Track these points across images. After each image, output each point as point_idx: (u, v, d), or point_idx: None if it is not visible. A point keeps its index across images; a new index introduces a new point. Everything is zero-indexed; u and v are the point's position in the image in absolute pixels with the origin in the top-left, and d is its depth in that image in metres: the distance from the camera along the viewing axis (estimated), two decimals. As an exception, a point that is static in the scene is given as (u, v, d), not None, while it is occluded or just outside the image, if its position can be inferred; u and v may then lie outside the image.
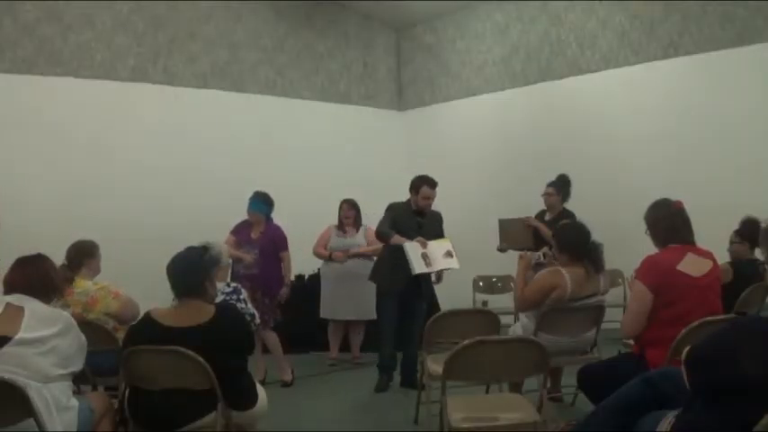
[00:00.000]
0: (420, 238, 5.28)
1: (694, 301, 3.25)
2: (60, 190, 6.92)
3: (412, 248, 5.23)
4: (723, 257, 4.51)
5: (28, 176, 6.76)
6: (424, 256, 5.25)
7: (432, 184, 5.46)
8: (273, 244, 5.75)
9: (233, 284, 4.32)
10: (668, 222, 3.46)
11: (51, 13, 7.20)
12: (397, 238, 5.29)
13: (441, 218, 5.65)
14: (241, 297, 4.21)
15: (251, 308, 4.29)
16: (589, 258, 4.05)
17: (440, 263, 5.31)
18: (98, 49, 7.48)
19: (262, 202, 5.76)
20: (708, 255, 3.46)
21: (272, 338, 5.71)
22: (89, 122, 7.20)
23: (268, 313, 5.61)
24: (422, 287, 5.43)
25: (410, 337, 5.36)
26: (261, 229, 5.77)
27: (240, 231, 5.80)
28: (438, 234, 5.47)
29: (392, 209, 5.52)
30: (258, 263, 5.63)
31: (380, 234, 5.45)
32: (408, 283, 5.28)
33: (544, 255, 4.22)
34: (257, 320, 4.30)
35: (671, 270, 3.30)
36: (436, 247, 5.32)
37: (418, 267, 5.19)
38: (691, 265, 3.33)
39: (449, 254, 5.34)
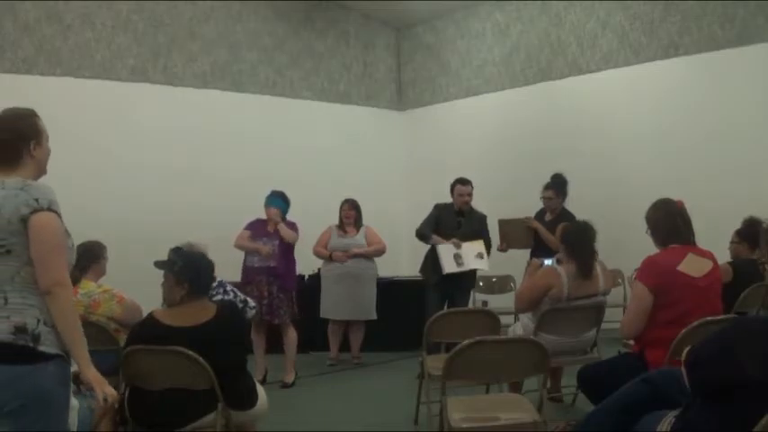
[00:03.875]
0: (455, 240, 5.92)
1: (694, 301, 3.25)
2: (59, 190, 6.86)
3: (444, 250, 5.91)
4: (723, 257, 4.50)
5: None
6: (457, 257, 5.89)
7: (463, 181, 6.08)
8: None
9: (217, 279, 4.31)
10: (669, 222, 3.46)
11: (51, 13, 7.21)
12: (434, 239, 5.98)
13: (483, 219, 6.17)
14: (228, 289, 4.19)
15: (241, 294, 4.28)
16: (580, 259, 4.03)
17: (471, 263, 5.94)
18: (98, 49, 7.48)
19: (280, 199, 5.77)
20: (708, 255, 3.46)
21: (292, 336, 5.72)
22: (89, 122, 7.20)
23: (284, 308, 5.62)
24: (462, 279, 6.01)
25: None
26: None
27: (255, 227, 5.80)
28: (477, 234, 6.04)
29: (437, 208, 6.17)
30: (276, 256, 5.62)
31: (421, 235, 6.10)
32: (449, 275, 5.87)
33: (558, 261, 4.22)
34: (251, 304, 4.31)
35: (671, 270, 3.30)
36: (469, 249, 5.94)
37: (448, 267, 5.87)
38: (691, 266, 3.33)
39: (480, 255, 5.98)
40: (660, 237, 3.49)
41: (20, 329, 2.19)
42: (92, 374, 2.28)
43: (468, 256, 5.94)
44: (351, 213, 6.55)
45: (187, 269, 3.10)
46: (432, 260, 6.06)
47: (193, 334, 2.94)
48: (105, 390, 2.29)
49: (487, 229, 6.18)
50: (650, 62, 7.43)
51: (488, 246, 6.13)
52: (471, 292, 6.52)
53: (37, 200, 2.24)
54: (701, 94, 7.02)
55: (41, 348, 2.21)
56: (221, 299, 3.98)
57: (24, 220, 2.21)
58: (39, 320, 2.23)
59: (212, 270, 3.27)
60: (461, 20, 9.19)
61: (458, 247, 5.91)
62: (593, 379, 3.47)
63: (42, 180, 2.48)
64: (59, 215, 2.29)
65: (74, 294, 3.86)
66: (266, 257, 5.61)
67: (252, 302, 4.37)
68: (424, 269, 6.26)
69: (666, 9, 7.31)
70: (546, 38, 8.34)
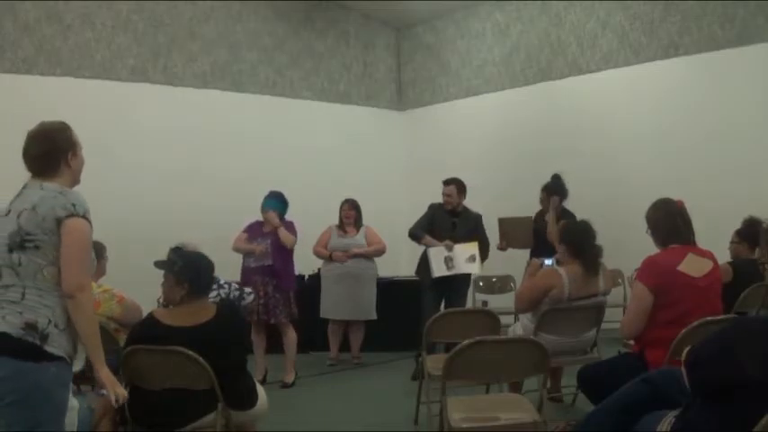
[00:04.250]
0: (448, 242, 5.78)
1: (694, 301, 3.25)
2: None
3: (434, 253, 5.80)
4: (723, 257, 4.50)
5: (28, 177, 6.75)
6: (448, 260, 5.77)
7: (445, 182, 5.97)
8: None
9: None
10: (669, 222, 3.46)
11: (51, 13, 7.21)
12: (427, 240, 5.86)
13: (478, 219, 6.04)
14: (221, 283, 4.18)
15: (235, 284, 4.27)
16: (586, 257, 4.04)
17: (461, 267, 5.79)
18: (98, 49, 7.48)
19: (277, 201, 5.76)
20: (708, 255, 3.46)
21: (291, 336, 5.71)
22: (89, 122, 7.17)
23: (280, 308, 5.61)
24: (456, 279, 5.83)
25: None
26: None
27: (252, 228, 5.81)
28: (472, 234, 5.88)
29: (431, 208, 6.05)
30: (270, 255, 5.61)
31: (412, 235, 6.01)
32: (442, 276, 5.75)
33: (558, 261, 4.22)
34: (247, 290, 4.30)
35: (671, 270, 3.30)
36: (460, 252, 5.79)
37: (438, 271, 5.75)
38: (691, 266, 3.33)
39: (472, 258, 5.82)
40: (660, 237, 3.49)
41: (30, 326, 2.26)
42: (105, 374, 2.37)
43: (460, 259, 5.81)
44: (351, 213, 6.55)
45: (187, 269, 3.10)
46: (426, 261, 5.99)
47: (193, 334, 2.95)
48: (117, 390, 2.39)
49: (483, 230, 6.06)
50: (650, 62, 7.44)
51: (486, 246, 6.00)
52: (468, 292, 6.51)
53: (74, 205, 2.37)
54: (701, 94, 7.02)
55: (47, 348, 2.27)
56: (217, 293, 3.98)
57: (59, 222, 2.32)
58: (50, 321, 2.30)
59: (212, 270, 3.27)
60: (461, 20, 9.19)
61: (449, 249, 5.80)
62: (594, 379, 3.47)
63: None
64: (91, 225, 2.42)
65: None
66: (261, 257, 5.61)
67: (248, 289, 4.37)
68: (419, 270, 6.18)
69: (666, 9, 7.31)
70: (546, 38, 8.35)
